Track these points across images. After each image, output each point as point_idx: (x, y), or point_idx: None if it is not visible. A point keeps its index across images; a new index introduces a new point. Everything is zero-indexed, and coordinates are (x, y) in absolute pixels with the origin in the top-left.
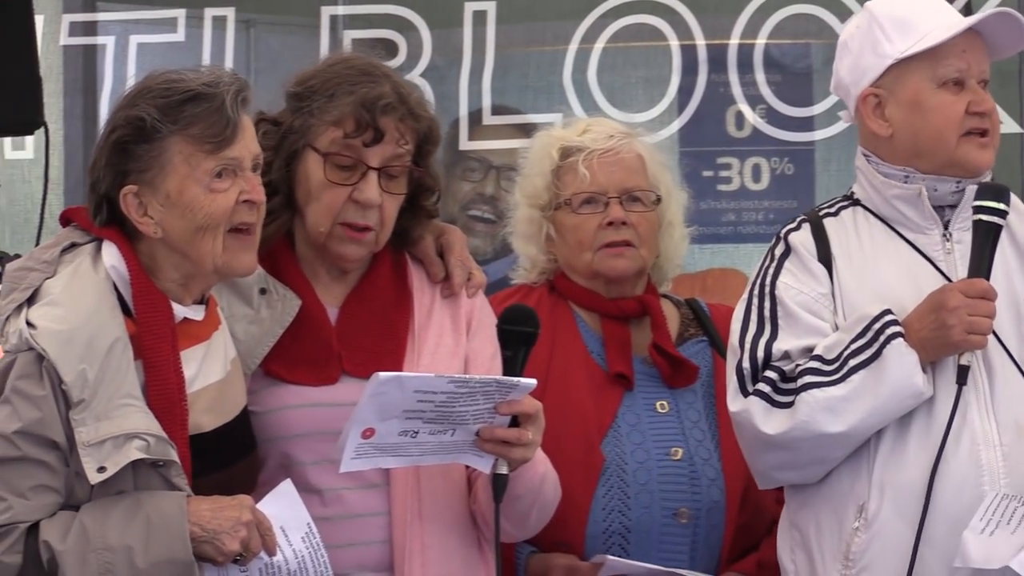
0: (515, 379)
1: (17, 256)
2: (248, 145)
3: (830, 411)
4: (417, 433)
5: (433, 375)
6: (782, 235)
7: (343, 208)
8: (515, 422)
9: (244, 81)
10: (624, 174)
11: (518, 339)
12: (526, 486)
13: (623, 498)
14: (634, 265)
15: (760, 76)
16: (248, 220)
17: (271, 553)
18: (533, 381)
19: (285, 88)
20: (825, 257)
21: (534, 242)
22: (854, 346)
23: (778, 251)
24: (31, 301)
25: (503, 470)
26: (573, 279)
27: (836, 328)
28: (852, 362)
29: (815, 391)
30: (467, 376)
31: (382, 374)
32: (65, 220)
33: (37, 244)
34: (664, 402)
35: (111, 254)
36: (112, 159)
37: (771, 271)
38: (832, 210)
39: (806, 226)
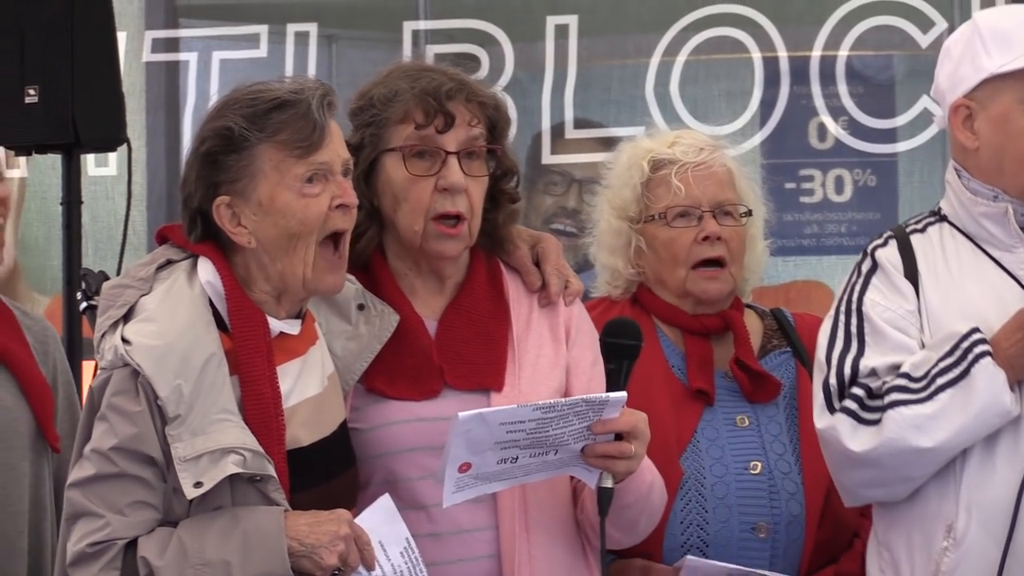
0: (603, 395)
1: (101, 273)
2: (337, 149)
3: (918, 429)
4: (517, 459)
5: (516, 406)
6: (869, 251)
7: (432, 200)
8: (619, 435)
9: (329, 87)
10: (716, 187)
11: (621, 352)
12: (634, 495)
13: (701, 512)
14: (726, 288)
15: (842, 88)
16: (342, 226)
17: (369, 567)
18: (623, 394)
19: (348, 109)
20: (911, 274)
21: (620, 254)
22: (942, 364)
23: (865, 267)
24: (127, 318)
25: (608, 483)
26: (658, 293)
27: (922, 345)
28: (940, 380)
29: (902, 409)
30: (552, 401)
31: (462, 414)
32: (161, 238)
33: (120, 261)
34: (744, 416)
35: (206, 270)
36: (202, 172)
37: (858, 287)
38: (919, 226)
39: (893, 242)
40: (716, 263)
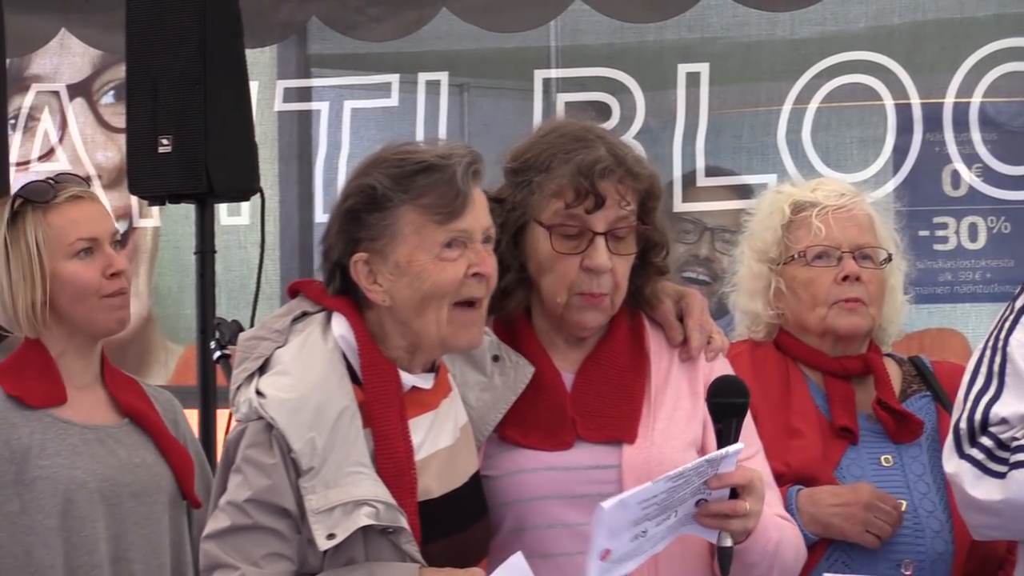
0: (723, 451)
1: (235, 322)
2: (479, 218)
3: None
4: (646, 532)
5: (651, 483)
6: None
7: (577, 277)
8: (734, 493)
9: (477, 154)
10: (857, 231)
11: (729, 411)
12: (759, 554)
13: (847, 549)
14: (865, 323)
15: (976, 135)
16: (476, 294)
17: None
18: (740, 445)
19: (502, 165)
20: None
21: (760, 297)
22: None
23: (1019, 303)
24: (262, 370)
25: (727, 543)
26: (798, 337)
27: None
28: None
29: None
30: (680, 469)
31: (605, 505)
32: (293, 292)
33: (254, 310)
34: (888, 456)
35: (340, 324)
36: (344, 226)
37: (1007, 324)
38: None
39: None
40: (855, 300)
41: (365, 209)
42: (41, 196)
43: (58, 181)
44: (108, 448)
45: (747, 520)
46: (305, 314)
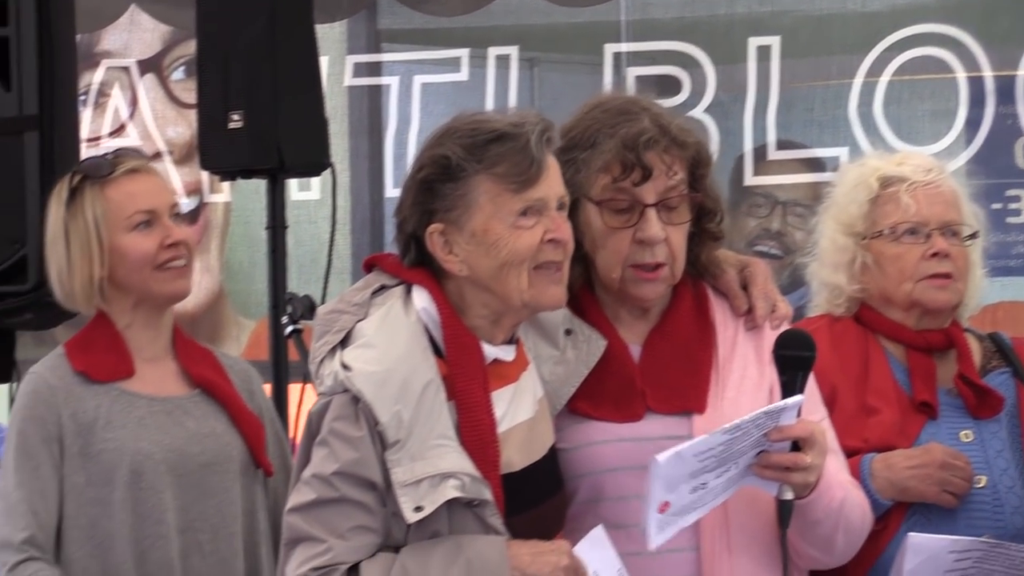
0: (782, 403)
1: (306, 297)
2: (553, 185)
3: None
4: (706, 484)
5: (707, 435)
6: None
7: (630, 251)
8: (796, 446)
9: (550, 122)
10: (944, 207)
11: (795, 364)
12: (824, 511)
13: (926, 512)
14: (954, 299)
15: None
16: (554, 258)
17: None
18: (800, 397)
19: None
20: None
21: (844, 271)
22: None
23: None
24: (344, 343)
25: (787, 496)
26: (881, 311)
27: None
28: None
29: None
30: (738, 421)
31: (660, 458)
32: (368, 266)
33: (325, 285)
34: (968, 431)
35: (422, 297)
36: (418, 198)
37: None
38: None
39: None
40: (944, 276)
41: (439, 180)
42: (98, 171)
43: (116, 155)
44: (176, 420)
45: (808, 473)
46: (383, 287)
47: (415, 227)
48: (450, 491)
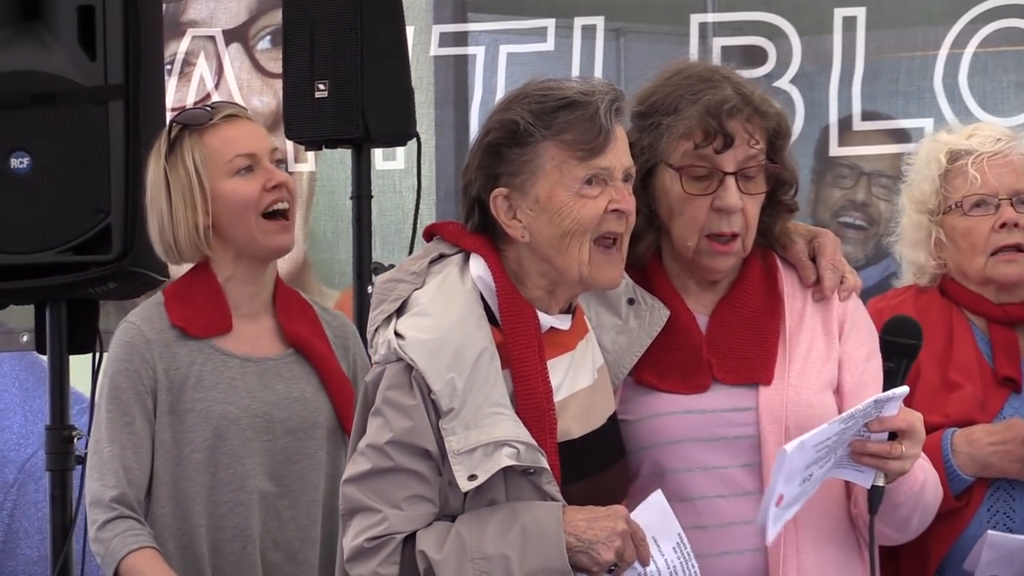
0: (889, 393)
1: (391, 266)
2: (620, 155)
3: None
4: (812, 475)
5: (826, 425)
6: None
7: (707, 218)
8: (892, 434)
9: (620, 92)
10: (1013, 176)
11: (901, 351)
12: (906, 494)
13: (1008, 500)
14: None
15: None
16: (616, 230)
17: (644, 563)
18: (905, 389)
19: (630, 108)
20: None
21: (922, 248)
22: None
23: None
24: (400, 312)
25: (880, 482)
26: (962, 284)
27: None
28: None
29: None
30: (852, 410)
31: (788, 448)
32: (429, 235)
33: (409, 255)
34: None
35: (478, 265)
36: (484, 161)
37: None
38: None
39: None
40: (1014, 249)
41: (506, 144)
42: (196, 120)
43: (213, 107)
44: (266, 382)
45: (903, 463)
46: (442, 256)
47: (480, 190)
48: (504, 459)
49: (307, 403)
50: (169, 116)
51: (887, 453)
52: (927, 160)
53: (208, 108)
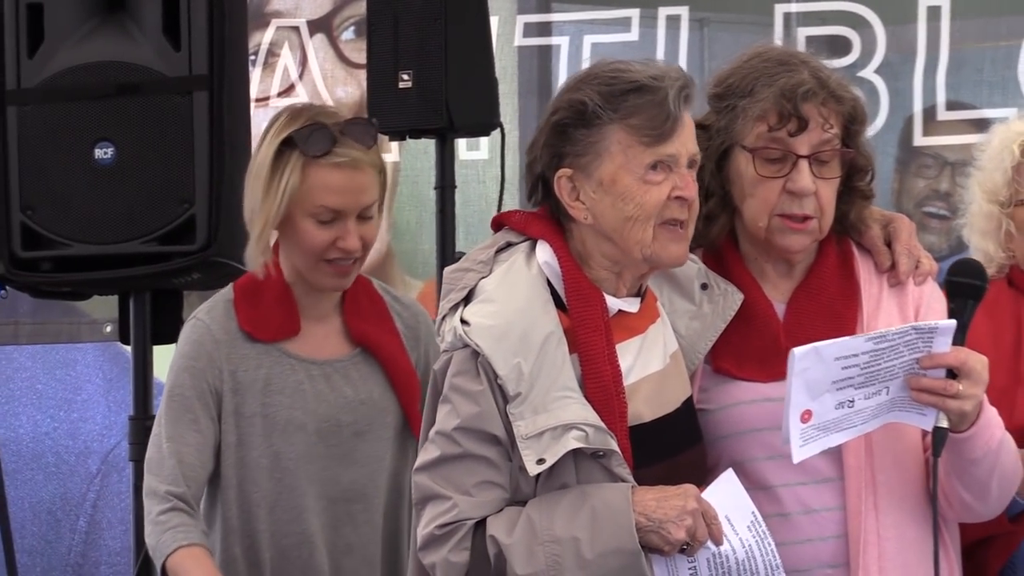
0: (933, 323)
1: None
2: (686, 142)
3: None
4: (853, 402)
5: (848, 338)
6: None
7: (779, 201)
8: (952, 375)
9: (690, 78)
10: None
11: (966, 291)
12: (983, 449)
13: None
14: None
15: None
16: (678, 216)
17: (718, 542)
18: (952, 322)
19: (706, 91)
20: None
21: (991, 238)
22: None
23: None
24: (467, 300)
25: (943, 423)
26: None
27: None
28: None
29: None
30: (883, 331)
31: (797, 350)
32: (497, 224)
33: None
34: None
35: (544, 251)
36: (550, 140)
37: None
38: None
39: None
40: None
41: (573, 124)
42: (310, 149)
43: (344, 133)
44: (333, 385)
45: (963, 403)
46: (510, 244)
47: (544, 168)
48: (571, 442)
49: (374, 404)
50: (253, 107)
51: (943, 390)
52: (1000, 149)
53: (335, 133)
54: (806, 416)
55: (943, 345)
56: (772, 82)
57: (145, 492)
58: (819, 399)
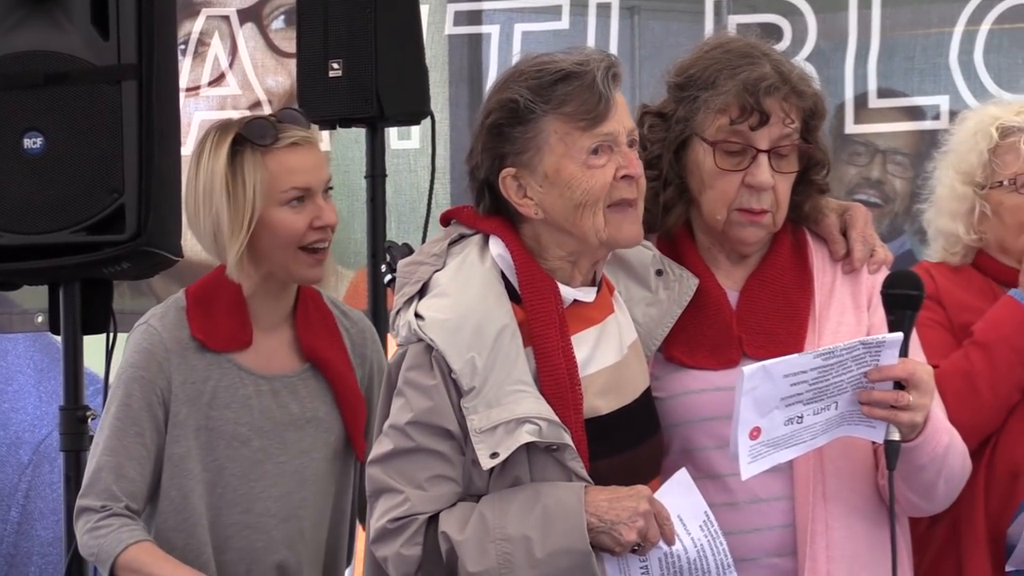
0: (880, 337)
1: (405, 245)
2: (622, 120)
3: None
4: (802, 418)
5: (797, 355)
6: None
7: (737, 194)
8: (900, 386)
9: (614, 58)
10: None
11: (902, 302)
12: (929, 456)
13: None
14: None
15: None
16: (627, 196)
17: (669, 542)
18: (899, 335)
19: (666, 79)
20: None
21: (963, 220)
22: None
23: None
24: (421, 294)
25: (894, 436)
26: (998, 258)
27: None
28: None
29: None
30: (831, 347)
31: (746, 369)
32: (446, 220)
33: (424, 234)
34: None
35: (497, 244)
36: (488, 143)
37: None
38: None
39: None
40: None
41: (508, 124)
42: (262, 138)
43: (280, 120)
44: (281, 402)
45: (914, 414)
46: (462, 237)
47: (487, 173)
48: (525, 436)
49: (319, 423)
50: (182, 96)
51: (894, 402)
52: (974, 131)
53: (273, 121)
54: (755, 433)
55: (890, 358)
56: (734, 75)
57: (77, 511)
58: (768, 416)
